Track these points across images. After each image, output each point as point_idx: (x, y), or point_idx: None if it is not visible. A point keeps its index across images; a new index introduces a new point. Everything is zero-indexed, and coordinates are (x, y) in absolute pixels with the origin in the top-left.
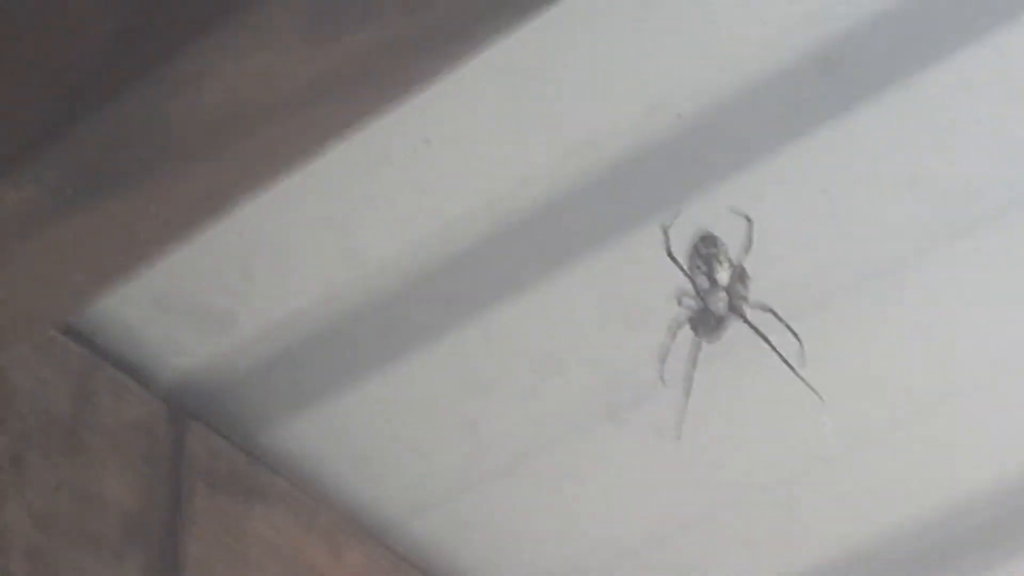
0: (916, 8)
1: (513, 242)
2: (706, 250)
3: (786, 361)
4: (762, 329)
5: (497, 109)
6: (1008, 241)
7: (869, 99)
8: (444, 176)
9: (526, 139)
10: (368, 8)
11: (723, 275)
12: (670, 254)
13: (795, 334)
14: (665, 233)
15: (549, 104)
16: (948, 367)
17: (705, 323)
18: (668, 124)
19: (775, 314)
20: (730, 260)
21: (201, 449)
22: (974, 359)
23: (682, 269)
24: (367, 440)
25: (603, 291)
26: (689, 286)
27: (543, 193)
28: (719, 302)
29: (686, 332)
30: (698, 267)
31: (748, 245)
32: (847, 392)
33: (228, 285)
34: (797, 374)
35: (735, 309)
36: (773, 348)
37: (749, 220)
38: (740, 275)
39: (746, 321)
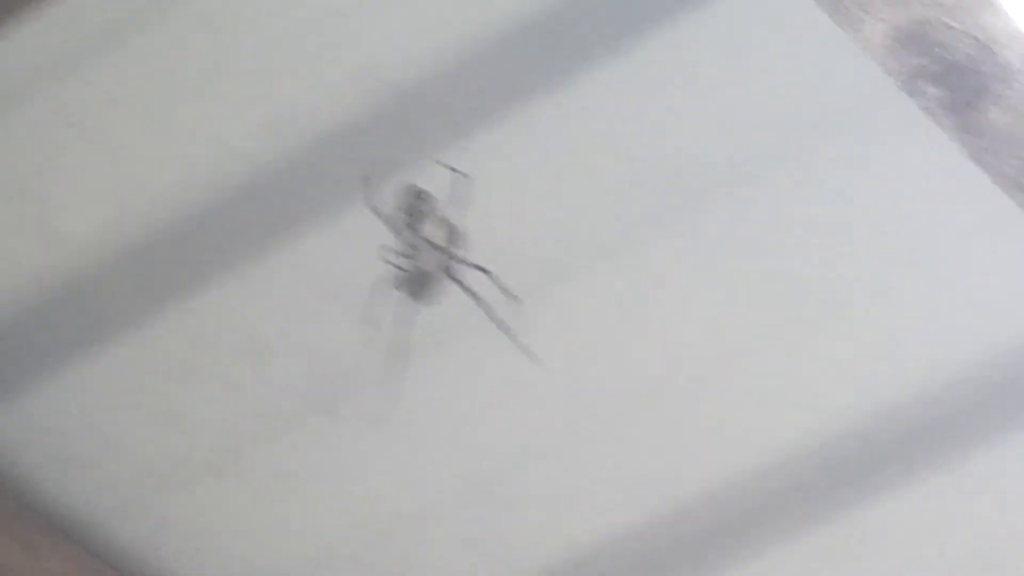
0: None
1: (216, 220)
2: (411, 203)
3: (499, 323)
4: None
5: (196, 69)
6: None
7: (585, 70)
8: (136, 143)
9: (229, 105)
10: None
11: (433, 232)
12: (371, 206)
13: (512, 295)
14: (366, 183)
15: (254, 67)
16: (665, 355)
17: (414, 283)
18: (378, 95)
19: (490, 276)
20: (443, 217)
21: None
22: (691, 348)
23: (385, 222)
24: (65, 436)
25: (314, 272)
26: (394, 242)
27: (246, 168)
28: (429, 261)
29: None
30: (405, 222)
31: (463, 202)
32: (561, 383)
33: None
34: (511, 337)
35: (447, 269)
36: (486, 310)
37: (464, 175)
38: (452, 233)
39: (457, 281)
